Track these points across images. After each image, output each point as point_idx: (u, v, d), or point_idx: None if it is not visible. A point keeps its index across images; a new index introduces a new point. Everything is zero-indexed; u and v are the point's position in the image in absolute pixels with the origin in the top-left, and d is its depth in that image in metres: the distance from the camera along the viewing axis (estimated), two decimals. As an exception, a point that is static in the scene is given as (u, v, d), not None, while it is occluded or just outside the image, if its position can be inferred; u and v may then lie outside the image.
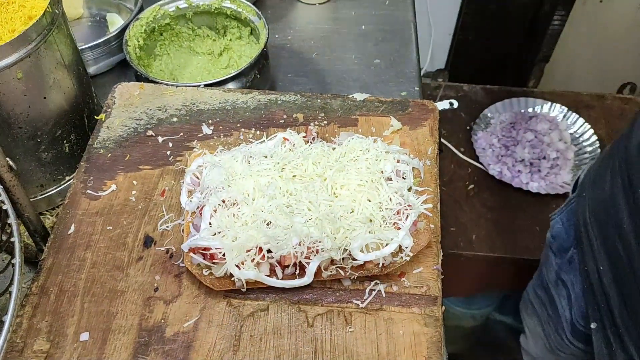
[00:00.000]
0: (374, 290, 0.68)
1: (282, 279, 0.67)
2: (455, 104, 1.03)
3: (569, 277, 1.02)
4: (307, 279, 0.67)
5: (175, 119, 0.85)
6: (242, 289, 0.67)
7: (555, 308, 1.05)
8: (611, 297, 0.86)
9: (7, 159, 0.65)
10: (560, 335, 1.05)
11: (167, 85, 0.90)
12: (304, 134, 0.80)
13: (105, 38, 1.00)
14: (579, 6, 1.86)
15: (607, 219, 0.87)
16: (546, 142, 1.76)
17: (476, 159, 1.75)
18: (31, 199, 0.73)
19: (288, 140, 0.76)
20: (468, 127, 1.83)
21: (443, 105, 0.94)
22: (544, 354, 1.12)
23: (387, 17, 1.20)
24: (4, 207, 0.61)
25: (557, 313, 1.05)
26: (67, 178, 0.86)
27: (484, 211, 1.66)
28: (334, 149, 0.76)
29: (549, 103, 1.84)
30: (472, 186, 1.72)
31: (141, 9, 1.03)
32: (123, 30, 1.00)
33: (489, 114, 1.85)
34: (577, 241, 0.99)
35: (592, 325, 0.93)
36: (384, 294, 0.68)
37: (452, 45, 2.06)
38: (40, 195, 0.84)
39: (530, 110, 1.85)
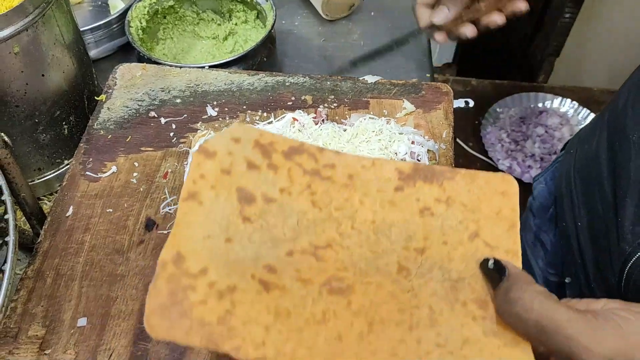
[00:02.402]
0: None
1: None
2: (471, 103, 1.00)
3: (548, 236, 1.01)
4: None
5: (178, 100, 0.81)
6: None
7: (530, 270, 1.04)
8: (586, 252, 0.86)
9: (2, 134, 0.62)
10: None
11: (170, 66, 0.86)
12: (314, 115, 0.76)
13: (107, 20, 0.97)
14: (589, 1, 1.83)
15: (590, 175, 0.86)
16: (557, 137, 1.73)
17: (485, 153, 1.72)
18: (28, 183, 0.70)
19: (297, 120, 0.73)
20: (477, 122, 1.80)
21: (458, 103, 0.91)
22: None
23: (398, 3, 1.16)
24: (-2, 184, 0.58)
25: (532, 274, 1.03)
26: (66, 162, 0.83)
27: (493, 207, 1.62)
28: (345, 130, 0.73)
29: (559, 98, 1.81)
30: (481, 181, 1.68)
31: (144, -8, 1.00)
32: (125, 13, 0.97)
33: (498, 109, 1.82)
34: (558, 198, 0.98)
35: (567, 280, 0.93)
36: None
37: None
38: (38, 179, 0.81)
39: (540, 105, 1.82)
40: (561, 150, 1.08)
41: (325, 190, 0.49)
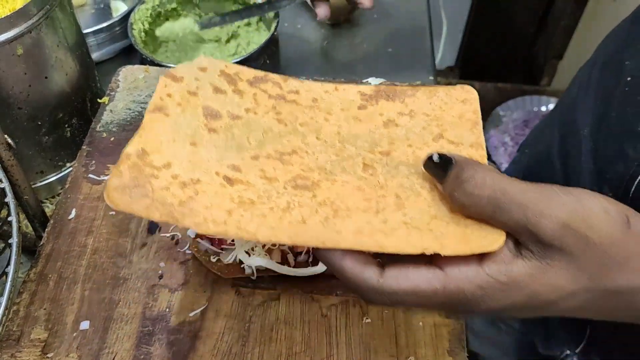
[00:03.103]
0: (392, 279, 0.64)
1: (294, 266, 0.63)
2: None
3: None
4: (320, 267, 0.63)
5: (181, 103, 0.81)
6: (252, 277, 0.63)
7: None
8: None
9: (6, 136, 0.62)
10: None
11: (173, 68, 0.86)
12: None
13: (109, 22, 0.97)
14: (593, 3, 1.83)
15: (543, 170, 0.86)
16: (560, 140, 1.73)
17: (488, 157, 1.72)
18: (31, 185, 0.70)
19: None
20: (479, 125, 1.80)
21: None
22: (486, 328, 1.09)
23: (401, 6, 1.16)
24: (1, 186, 0.58)
25: None
26: (68, 165, 0.82)
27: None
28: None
29: (562, 101, 1.81)
30: (483, 185, 1.68)
31: (147, -5, 1.00)
32: (127, 15, 0.97)
33: (500, 112, 1.81)
34: None
35: None
36: (402, 284, 0.64)
37: (462, 42, 2.03)
38: (40, 182, 0.81)
39: (543, 108, 1.82)
40: (517, 150, 1.08)
41: (290, 111, 0.51)
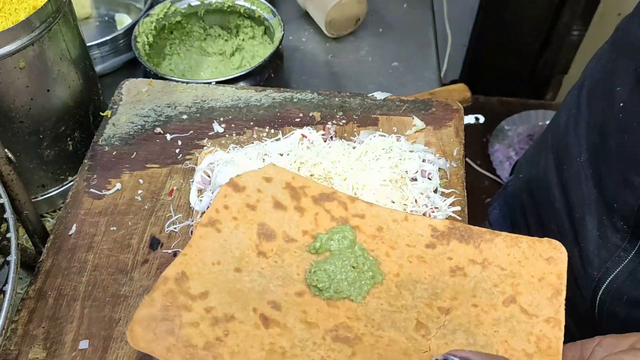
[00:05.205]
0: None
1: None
2: (482, 119, 0.99)
3: None
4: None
5: (185, 117, 0.80)
6: (256, 295, 0.61)
7: None
8: None
9: (6, 150, 0.60)
10: None
11: (177, 82, 0.85)
12: (323, 132, 0.75)
13: (113, 35, 0.97)
14: (598, 19, 1.82)
15: (541, 197, 0.85)
16: (565, 155, 1.72)
17: (493, 171, 1.71)
18: (31, 200, 0.69)
19: (306, 137, 0.72)
20: (484, 139, 1.79)
21: (468, 119, 0.89)
22: None
23: (406, 20, 1.16)
24: (0, 201, 0.57)
25: None
26: (70, 178, 0.81)
27: (502, 225, 1.61)
28: (354, 147, 0.71)
29: (567, 115, 1.80)
30: (489, 200, 1.67)
31: (150, 8, 1.00)
32: (131, 28, 0.97)
33: (505, 126, 1.80)
34: (513, 223, 0.97)
35: None
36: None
37: (467, 56, 2.02)
38: (42, 196, 0.80)
39: (548, 122, 1.81)
40: (510, 174, 1.06)
41: None
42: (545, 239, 0.46)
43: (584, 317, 0.75)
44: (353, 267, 0.44)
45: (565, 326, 0.79)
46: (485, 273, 0.45)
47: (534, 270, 0.45)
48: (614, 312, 0.70)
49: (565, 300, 0.79)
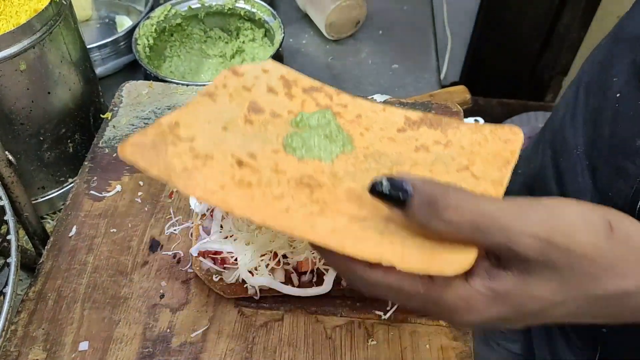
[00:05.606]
0: (398, 300, 0.63)
1: (298, 286, 0.62)
2: (481, 121, 0.99)
3: None
4: (325, 288, 0.62)
5: (185, 119, 0.80)
6: (255, 297, 0.62)
7: None
8: None
9: (7, 152, 0.61)
10: None
11: (177, 84, 0.85)
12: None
13: (114, 37, 0.97)
14: (598, 20, 1.82)
15: (539, 192, 0.85)
16: (565, 157, 1.72)
17: (493, 173, 1.71)
18: (32, 201, 0.69)
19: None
20: (484, 141, 1.79)
21: (468, 122, 0.90)
22: (479, 347, 1.07)
23: (406, 22, 1.16)
24: (1, 203, 0.57)
25: None
26: (70, 180, 0.81)
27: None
28: (353, 149, 0.71)
29: (567, 117, 1.80)
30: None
31: (151, 10, 1.00)
32: (132, 30, 0.97)
33: (505, 128, 1.80)
34: None
35: None
36: (408, 305, 0.63)
37: (467, 58, 2.02)
38: (42, 197, 0.80)
39: (547, 123, 1.81)
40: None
41: None
42: (507, 125, 0.51)
43: (591, 328, 0.75)
44: (326, 136, 0.50)
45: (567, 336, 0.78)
46: (446, 151, 0.50)
47: (491, 148, 0.49)
48: None
49: None
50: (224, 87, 0.51)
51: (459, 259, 0.39)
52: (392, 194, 0.39)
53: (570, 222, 0.38)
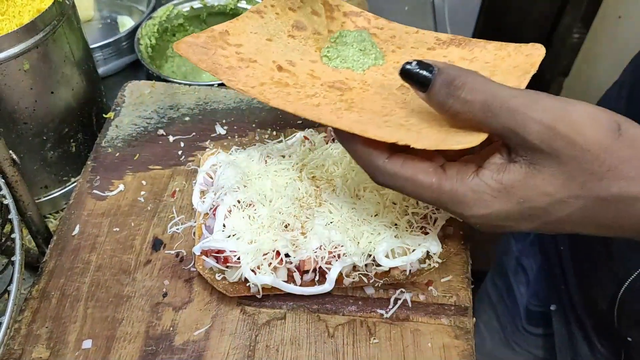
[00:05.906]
0: (400, 299, 0.63)
1: (300, 285, 0.62)
2: None
3: (529, 261, 1.00)
4: (327, 286, 0.62)
5: (187, 119, 0.81)
6: (258, 296, 0.62)
7: (513, 297, 1.03)
8: (570, 277, 0.84)
9: (10, 152, 0.61)
10: (516, 324, 1.03)
11: (179, 84, 0.86)
12: (325, 134, 0.75)
13: (116, 37, 0.97)
14: (599, 22, 1.82)
15: None
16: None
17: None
18: (35, 201, 0.69)
19: (308, 139, 0.72)
20: (485, 142, 1.79)
21: None
22: (499, 349, 1.07)
23: (407, 23, 1.16)
24: (5, 202, 0.57)
25: (514, 301, 1.03)
26: (73, 180, 0.82)
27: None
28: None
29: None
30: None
31: (153, 10, 1.00)
32: (134, 30, 0.97)
33: (506, 129, 1.81)
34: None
35: (552, 307, 0.91)
36: (410, 304, 0.63)
37: (468, 59, 2.03)
38: (44, 197, 0.80)
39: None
40: None
41: None
42: (531, 44, 0.53)
43: (603, 317, 0.75)
44: (360, 50, 0.55)
45: (582, 323, 0.79)
46: (471, 65, 0.53)
47: (513, 62, 0.52)
48: (633, 311, 0.70)
49: (584, 296, 0.79)
50: (272, 6, 0.57)
51: (469, 139, 0.41)
52: (420, 73, 0.42)
53: (578, 115, 0.39)
